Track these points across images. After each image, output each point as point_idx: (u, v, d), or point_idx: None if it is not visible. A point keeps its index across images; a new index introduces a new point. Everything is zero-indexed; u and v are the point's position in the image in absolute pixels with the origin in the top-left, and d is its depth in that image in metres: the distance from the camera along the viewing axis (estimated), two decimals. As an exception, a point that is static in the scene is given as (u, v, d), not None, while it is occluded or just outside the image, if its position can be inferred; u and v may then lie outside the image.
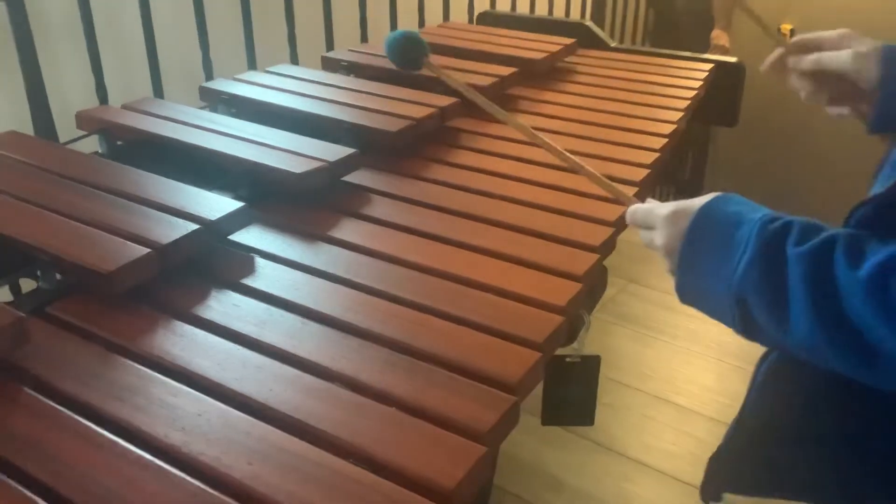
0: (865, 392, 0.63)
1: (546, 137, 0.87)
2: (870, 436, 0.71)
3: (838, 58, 0.78)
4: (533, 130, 0.88)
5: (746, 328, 0.66)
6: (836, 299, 0.58)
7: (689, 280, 0.69)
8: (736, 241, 0.65)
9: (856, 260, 0.58)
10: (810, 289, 0.59)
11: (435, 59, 1.01)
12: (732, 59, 1.91)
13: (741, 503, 0.93)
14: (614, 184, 0.85)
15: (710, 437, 1.80)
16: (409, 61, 1.01)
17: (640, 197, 0.84)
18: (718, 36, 3.33)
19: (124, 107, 1.36)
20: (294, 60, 1.90)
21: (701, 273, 0.67)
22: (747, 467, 0.83)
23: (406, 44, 1.00)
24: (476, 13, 2.41)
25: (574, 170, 0.86)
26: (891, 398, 0.64)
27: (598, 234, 1.05)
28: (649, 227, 0.75)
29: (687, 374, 2.05)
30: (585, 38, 2.01)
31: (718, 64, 1.88)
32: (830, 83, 0.82)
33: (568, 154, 0.86)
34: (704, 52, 3.24)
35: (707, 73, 1.80)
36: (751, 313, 0.64)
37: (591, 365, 0.98)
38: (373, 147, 1.29)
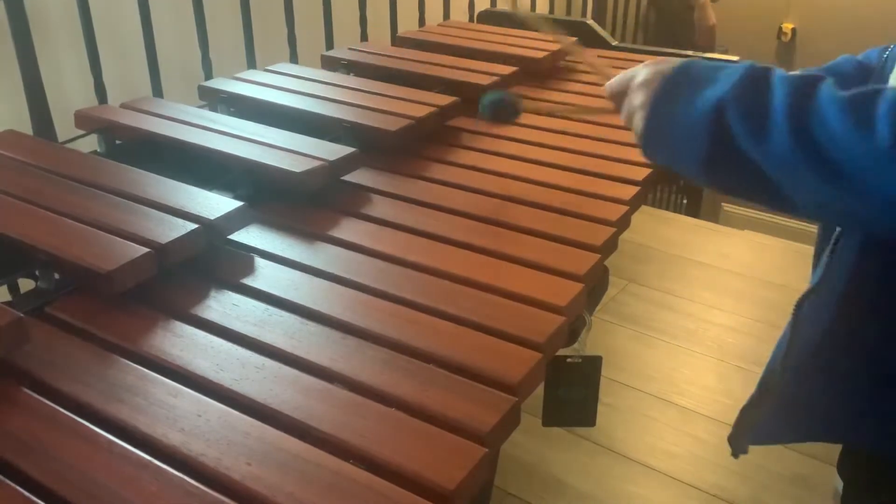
0: None
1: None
2: None
3: None
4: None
5: (716, 147, 0.64)
6: (814, 111, 0.60)
7: (665, 108, 0.69)
8: (722, 74, 0.66)
9: (840, 90, 0.61)
10: (791, 99, 0.61)
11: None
12: (734, 58, 1.91)
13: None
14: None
15: (711, 438, 1.80)
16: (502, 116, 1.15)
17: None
18: (700, 17, 3.43)
19: (123, 106, 1.35)
20: (294, 59, 1.89)
21: (680, 97, 0.67)
22: (782, 413, 0.83)
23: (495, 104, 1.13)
24: (476, 12, 2.40)
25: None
26: None
27: (600, 234, 1.05)
28: (626, 86, 0.76)
29: (688, 375, 2.05)
30: (587, 37, 2.00)
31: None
32: None
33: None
34: (693, 40, 3.28)
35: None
36: (728, 124, 0.63)
37: (592, 365, 0.97)
38: (372, 146, 1.28)
